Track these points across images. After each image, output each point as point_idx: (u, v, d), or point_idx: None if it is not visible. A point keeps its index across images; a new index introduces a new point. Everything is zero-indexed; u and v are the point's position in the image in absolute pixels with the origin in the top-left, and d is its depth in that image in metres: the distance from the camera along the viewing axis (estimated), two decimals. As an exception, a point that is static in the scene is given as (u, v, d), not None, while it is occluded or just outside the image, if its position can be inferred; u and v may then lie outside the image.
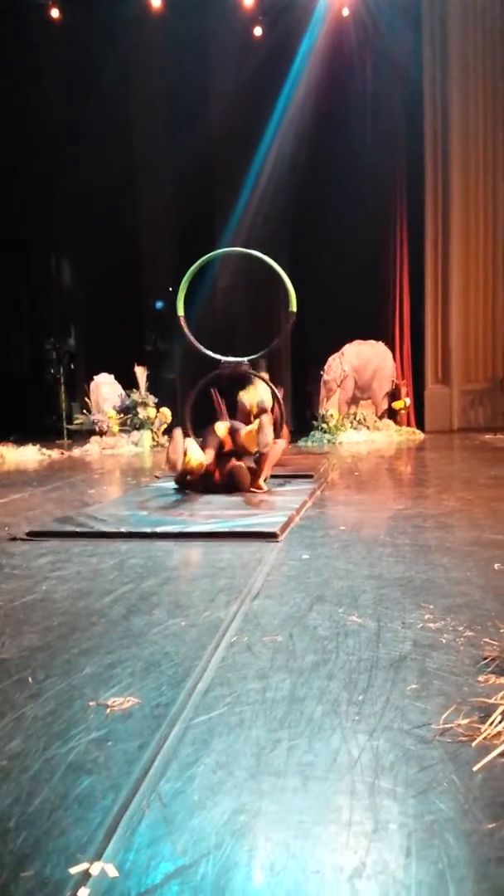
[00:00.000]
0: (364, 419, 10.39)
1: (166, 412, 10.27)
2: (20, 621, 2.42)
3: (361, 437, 10.01)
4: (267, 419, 4.96)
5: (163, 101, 12.15)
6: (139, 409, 10.17)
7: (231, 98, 11.23)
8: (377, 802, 1.32)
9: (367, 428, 10.28)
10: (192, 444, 5.06)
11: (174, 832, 1.25)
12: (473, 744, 1.50)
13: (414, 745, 1.51)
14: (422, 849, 1.19)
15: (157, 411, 10.22)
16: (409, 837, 1.22)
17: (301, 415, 12.56)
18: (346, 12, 11.00)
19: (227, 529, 3.86)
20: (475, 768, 1.41)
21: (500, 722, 1.57)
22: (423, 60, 11.00)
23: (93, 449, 9.63)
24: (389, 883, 1.11)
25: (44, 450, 9.13)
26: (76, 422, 10.75)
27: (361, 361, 10.82)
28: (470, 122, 11.08)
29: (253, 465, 5.17)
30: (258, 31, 11.53)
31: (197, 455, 5.00)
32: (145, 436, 9.96)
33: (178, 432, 4.94)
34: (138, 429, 10.10)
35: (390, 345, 11.21)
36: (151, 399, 10.30)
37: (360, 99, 11.35)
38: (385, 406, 10.93)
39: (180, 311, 6.06)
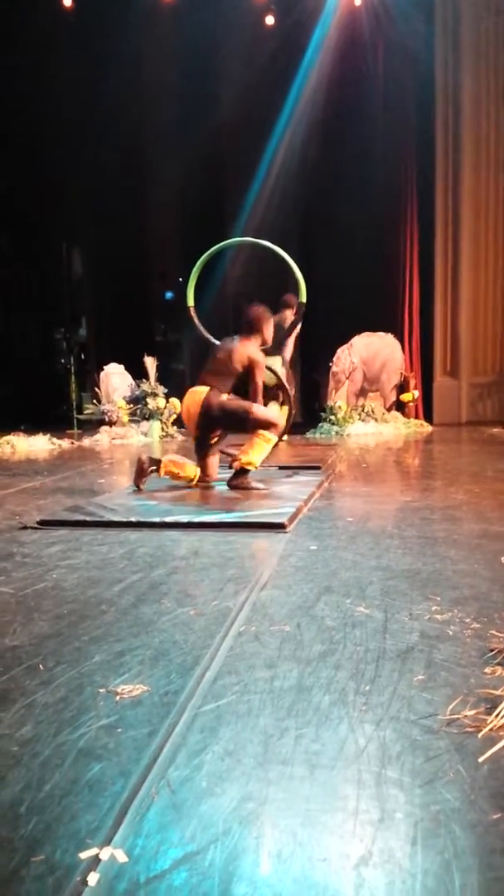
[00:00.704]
0: (372, 411, 10.37)
1: (176, 402, 10.28)
2: (31, 609, 2.44)
3: (369, 430, 9.99)
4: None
5: (174, 90, 12.11)
6: (149, 400, 10.18)
7: (242, 88, 11.18)
8: (384, 792, 1.33)
9: (376, 420, 10.26)
10: (179, 459, 5.01)
11: (183, 819, 1.26)
12: (480, 735, 1.51)
13: (420, 735, 1.52)
14: (428, 838, 1.20)
15: (167, 402, 10.23)
16: (415, 827, 1.23)
17: (309, 406, 12.56)
18: (358, 1, 10.93)
19: (235, 520, 3.88)
20: (481, 759, 1.42)
21: (506, 713, 1.57)
22: (436, 48, 10.91)
23: (102, 439, 9.65)
24: (395, 871, 1.12)
25: (54, 439, 9.15)
26: (86, 412, 10.76)
27: (370, 353, 10.79)
28: (482, 110, 10.99)
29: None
30: (270, 20, 11.46)
31: (190, 468, 4.97)
32: (155, 426, 9.98)
33: (142, 457, 4.94)
34: (148, 419, 10.11)
35: (399, 337, 11.16)
36: (161, 389, 10.31)
37: (371, 87, 11.27)
38: (393, 398, 10.90)
39: (190, 302, 6.06)
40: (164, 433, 10.03)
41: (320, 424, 10.14)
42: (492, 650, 1.97)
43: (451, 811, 1.27)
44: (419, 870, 1.13)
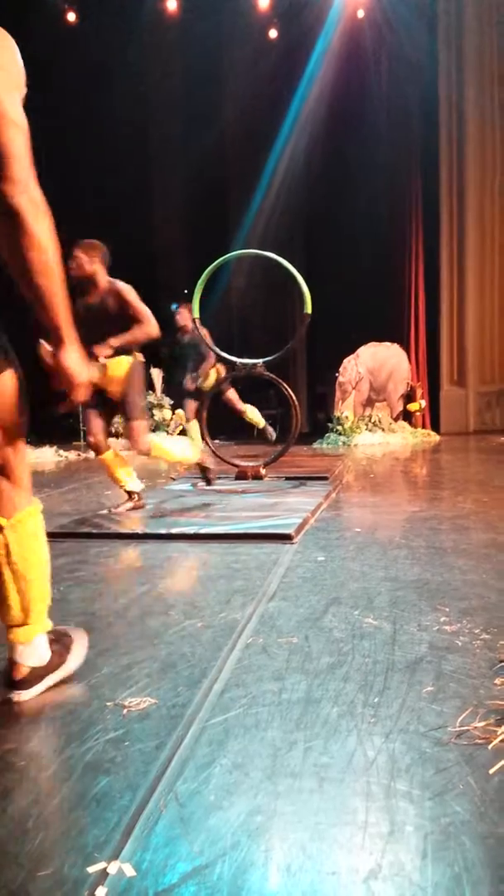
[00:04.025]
0: (379, 421, 10.37)
1: (181, 414, 10.31)
2: (37, 622, 2.44)
3: (376, 440, 9.99)
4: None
5: (178, 102, 12.21)
6: (155, 411, 10.21)
7: (246, 99, 11.27)
8: (393, 804, 1.32)
9: (383, 430, 10.26)
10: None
11: (191, 832, 1.25)
12: (490, 746, 1.50)
13: (430, 747, 1.51)
14: (438, 851, 1.19)
15: (173, 413, 10.25)
16: (425, 840, 1.22)
17: (315, 417, 12.56)
18: (361, 13, 10.99)
19: (242, 531, 3.87)
20: (491, 771, 1.41)
21: (516, 725, 1.56)
22: (439, 60, 10.97)
23: (109, 451, 9.67)
24: (405, 885, 1.11)
25: (61, 451, 9.18)
26: (92, 424, 10.79)
27: (376, 363, 10.81)
28: (486, 121, 11.04)
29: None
30: (273, 33, 11.55)
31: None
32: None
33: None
34: (154, 431, 10.14)
35: (405, 346, 11.18)
36: (167, 401, 10.34)
37: (375, 99, 11.34)
38: (400, 408, 10.90)
39: (196, 314, 6.07)
40: (170, 445, 10.04)
41: (327, 435, 10.14)
42: (501, 661, 1.96)
43: (461, 823, 1.26)
44: (429, 883, 1.12)
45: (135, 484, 4.72)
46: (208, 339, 6.03)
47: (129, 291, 4.48)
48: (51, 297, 1.59)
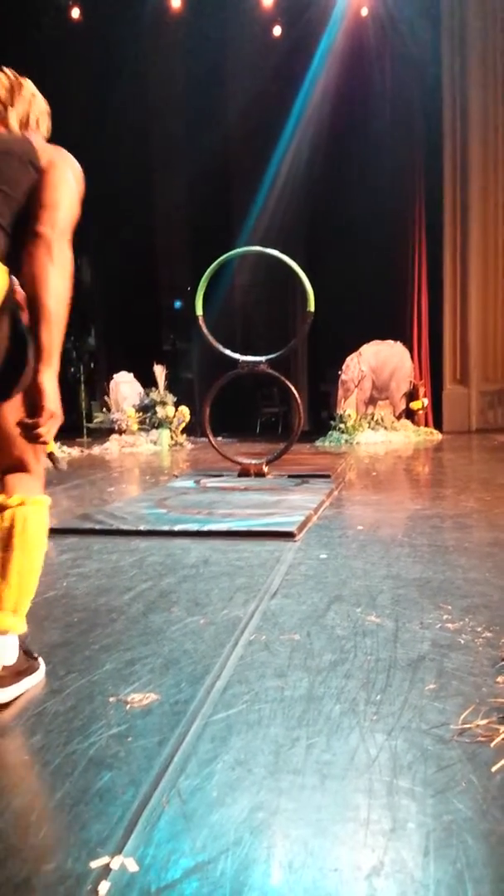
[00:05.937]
0: (382, 419, 10.35)
1: (185, 411, 10.31)
2: (41, 617, 2.44)
3: (379, 438, 9.98)
4: None
5: (181, 100, 12.18)
6: (158, 408, 10.20)
7: (249, 98, 11.23)
8: (395, 801, 1.32)
9: (385, 428, 10.25)
10: None
11: (193, 828, 1.26)
12: (492, 744, 1.50)
13: (432, 744, 1.51)
14: (440, 848, 1.19)
15: (176, 410, 10.25)
16: (427, 837, 1.22)
17: (318, 415, 12.56)
18: (364, 12, 10.97)
19: (245, 528, 3.88)
20: (493, 769, 1.41)
21: (518, 723, 1.56)
22: (442, 58, 10.94)
23: (112, 447, 9.68)
24: (408, 882, 1.12)
25: (64, 448, 9.18)
26: (96, 420, 10.80)
27: (379, 361, 10.79)
28: (489, 119, 11.01)
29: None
30: (277, 30, 11.52)
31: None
32: (164, 434, 9.99)
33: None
34: (157, 427, 10.13)
35: (408, 345, 11.16)
36: (170, 398, 10.33)
37: (378, 98, 11.30)
38: (403, 406, 10.88)
39: (199, 311, 6.07)
40: (173, 441, 10.05)
41: (329, 433, 10.13)
42: (503, 659, 1.96)
43: (463, 821, 1.26)
44: (431, 880, 1.12)
45: None
46: (211, 338, 6.02)
47: None
48: (56, 321, 1.77)
